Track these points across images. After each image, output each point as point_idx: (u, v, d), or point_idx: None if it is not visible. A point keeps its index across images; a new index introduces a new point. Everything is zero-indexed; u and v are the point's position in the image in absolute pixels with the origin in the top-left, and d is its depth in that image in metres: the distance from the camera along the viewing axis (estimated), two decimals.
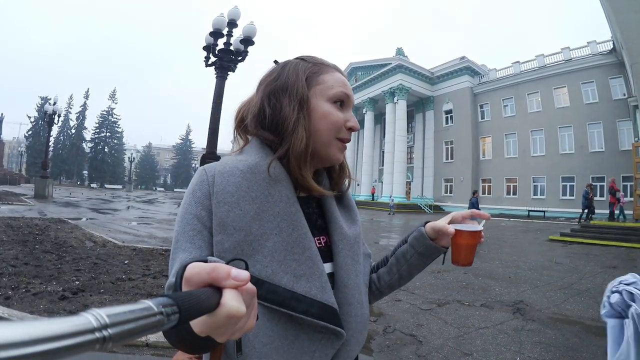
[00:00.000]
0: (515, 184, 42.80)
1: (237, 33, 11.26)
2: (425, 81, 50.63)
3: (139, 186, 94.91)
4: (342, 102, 1.24)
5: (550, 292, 8.10)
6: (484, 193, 45.33)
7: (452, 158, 48.49)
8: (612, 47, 34.44)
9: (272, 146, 1.22)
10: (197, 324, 0.61)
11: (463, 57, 48.15)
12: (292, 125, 1.16)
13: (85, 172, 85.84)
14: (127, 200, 37.67)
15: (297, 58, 1.32)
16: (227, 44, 11.10)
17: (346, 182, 1.42)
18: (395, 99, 48.82)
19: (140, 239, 12.73)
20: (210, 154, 10.91)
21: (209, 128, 11.05)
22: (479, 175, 46.37)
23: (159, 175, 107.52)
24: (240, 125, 1.31)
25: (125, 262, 8.53)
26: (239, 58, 11.35)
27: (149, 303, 0.48)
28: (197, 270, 0.63)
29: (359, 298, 1.20)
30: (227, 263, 0.67)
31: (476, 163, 46.48)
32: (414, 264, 1.37)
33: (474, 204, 17.92)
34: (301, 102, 1.18)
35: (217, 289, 0.61)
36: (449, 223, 1.31)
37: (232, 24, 10.98)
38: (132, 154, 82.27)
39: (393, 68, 49.30)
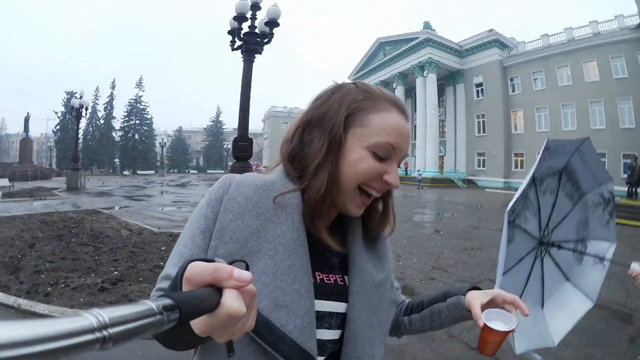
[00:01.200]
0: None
1: (261, 15, 11.23)
2: (454, 54, 49.91)
3: (172, 170, 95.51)
4: (384, 155, 1.08)
5: None
6: (516, 167, 44.79)
7: (484, 132, 47.93)
8: (638, 22, 33.50)
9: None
10: (198, 324, 0.61)
11: (491, 30, 47.17)
12: (314, 167, 1.07)
13: (116, 160, 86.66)
14: (160, 185, 38.02)
15: (352, 83, 1.17)
16: (252, 27, 11.08)
17: (387, 230, 1.29)
18: (425, 72, 48.25)
19: (175, 224, 12.90)
20: (242, 137, 11.01)
21: (240, 111, 11.15)
22: (511, 149, 45.69)
23: (191, 158, 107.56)
24: None
25: (162, 248, 8.64)
26: (265, 40, 11.32)
27: (149, 303, 0.48)
28: (199, 270, 0.63)
29: (369, 351, 1.12)
30: (228, 264, 0.66)
31: (508, 137, 45.83)
32: (447, 323, 1.33)
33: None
34: (332, 141, 1.07)
35: (217, 289, 0.61)
36: (487, 303, 1.19)
37: (255, 7, 10.93)
38: (162, 139, 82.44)
39: (421, 42, 48.64)
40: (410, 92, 55.63)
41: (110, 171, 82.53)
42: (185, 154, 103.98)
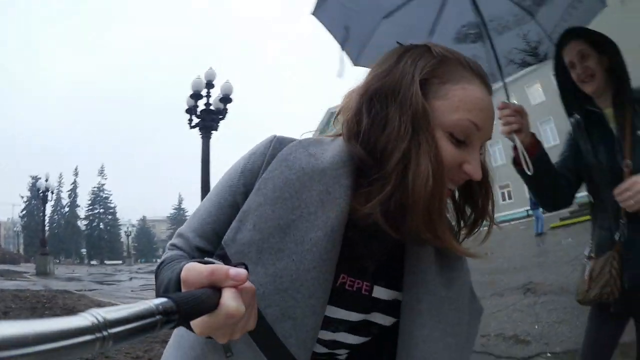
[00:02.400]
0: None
1: (215, 93, 11.85)
2: None
3: (139, 260, 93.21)
4: (464, 138, 0.89)
5: (557, 268, 8.30)
6: (504, 200, 44.46)
7: None
8: None
9: (363, 168, 0.92)
10: (197, 325, 0.61)
11: None
12: (400, 155, 0.84)
13: (83, 250, 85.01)
14: (129, 273, 37.37)
15: (424, 45, 0.96)
16: (207, 104, 11.66)
17: (482, 231, 1.03)
18: None
19: None
20: None
21: (201, 187, 11.49)
22: (495, 182, 45.55)
23: (158, 247, 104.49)
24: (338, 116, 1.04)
25: None
26: (220, 117, 11.91)
27: (148, 304, 0.48)
28: (195, 273, 0.62)
29: None
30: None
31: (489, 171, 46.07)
32: None
33: (535, 204, 17.95)
34: (416, 117, 0.85)
35: (216, 289, 0.61)
36: None
37: (209, 84, 11.54)
38: (128, 228, 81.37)
39: None
40: None
41: (78, 261, 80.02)
42: (151, 244, 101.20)
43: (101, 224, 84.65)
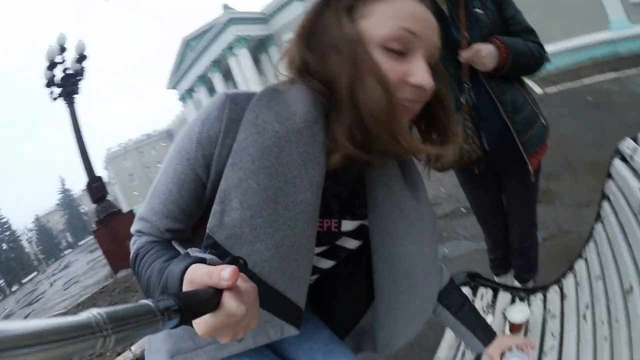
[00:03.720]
0: None
1: (70, 56, 11.38)
2: (260, 24, 48.97)
3: (49, 261, 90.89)
4: (402, 48, 0.84)
5: None
6: None
7: None
8: None
9: (324, 100, 0.90)
10: (199, 325, 0.60)
11: None
12: (347, 78, 0.82)
13: (0, 281, 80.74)
14: (47, 280, 37.15)
15: None
16: (66, 69, 11.20)
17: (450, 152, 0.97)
18: (236, 51, 47.31)
19: (79, 296, 13.07)
20: (93, 179, 11.35)
21: (80, 155, 11.38)
22: None
23: (59, 240, 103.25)
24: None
25: None
26: (79, 78, 11.51)
27: (149, 303, 0.48)
28: (199, 273, 0.61)
29: (418, 283, 1.14)
30: (226, 262, 0.66)
31: None
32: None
33: None
34: (349, 44, 0.83)
35: (218, 289, 0.60)
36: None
37: (63, 49, 11.06)
38: (28, 235, 78.03)
39: (223, 25, 46.91)
40: (229, 76, 52.11)
41: (1, 296, 76.83)
42: (53, 239, 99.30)
43: (3, 244, 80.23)
